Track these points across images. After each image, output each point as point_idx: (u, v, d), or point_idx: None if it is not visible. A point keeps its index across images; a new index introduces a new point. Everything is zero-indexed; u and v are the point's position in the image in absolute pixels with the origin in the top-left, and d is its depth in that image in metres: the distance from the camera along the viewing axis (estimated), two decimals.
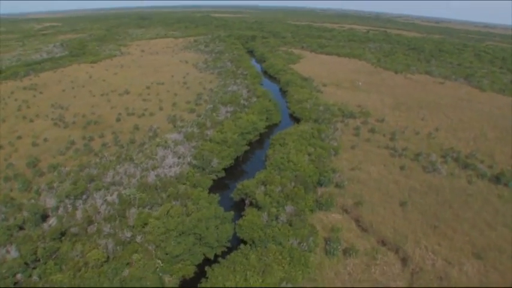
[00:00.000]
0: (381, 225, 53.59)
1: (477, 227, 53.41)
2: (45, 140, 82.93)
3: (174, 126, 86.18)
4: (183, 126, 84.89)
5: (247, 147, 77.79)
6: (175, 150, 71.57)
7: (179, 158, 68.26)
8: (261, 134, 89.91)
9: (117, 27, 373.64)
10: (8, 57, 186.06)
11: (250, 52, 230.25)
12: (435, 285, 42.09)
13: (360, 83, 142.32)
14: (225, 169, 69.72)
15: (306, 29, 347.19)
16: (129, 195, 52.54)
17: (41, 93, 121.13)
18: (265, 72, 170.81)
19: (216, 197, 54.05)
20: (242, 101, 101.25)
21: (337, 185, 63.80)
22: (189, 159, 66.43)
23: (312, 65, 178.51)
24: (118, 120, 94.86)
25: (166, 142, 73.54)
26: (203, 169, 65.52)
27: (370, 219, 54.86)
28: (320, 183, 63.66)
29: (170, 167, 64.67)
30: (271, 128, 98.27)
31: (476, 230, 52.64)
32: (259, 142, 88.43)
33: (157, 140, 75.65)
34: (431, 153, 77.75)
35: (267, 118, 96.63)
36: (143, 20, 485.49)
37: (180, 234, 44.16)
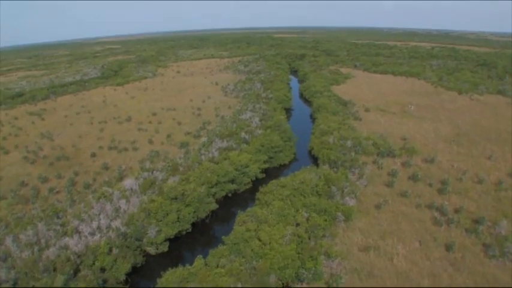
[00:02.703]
0: None
1: None
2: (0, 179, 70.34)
3: (141, 169, 67.80)
4: (149, 170, 66.10)
5: (215, 206, 55.25)
6: (118, 204, 53.05)
7: (113, 219, 49.38)
8: (255, 182, 67.49)
9: (170, 49, 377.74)
10: (45, 79, 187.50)
11: (295, 72, 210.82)
12: None
13: (412, 107, 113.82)
14: (176, 238, 49.39)
15: (365, 47, 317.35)
16: None
17: (42, 119, 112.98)
18: (301, 95, 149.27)
19: None
20: (243, 134, 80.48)
21: (328, 283, 39.70)
22: (117, 224, 47.04)
23: (358, 86, 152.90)
24: (93, 155, 79.95)
25: (111, 194, 55.38)
26: (138, 240, 45.86)
27: None
28: (300, 279, 40.08)
29: (91, 233, 46.04)
30: (279, 170, 76.12)
31: None
32: (251, 192, 65.78)
33: (103, 189, 57.74)
34: (500, 220, 49.50)
35: (270, 158, 74.72)
36: (200, 41, 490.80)
37: None
